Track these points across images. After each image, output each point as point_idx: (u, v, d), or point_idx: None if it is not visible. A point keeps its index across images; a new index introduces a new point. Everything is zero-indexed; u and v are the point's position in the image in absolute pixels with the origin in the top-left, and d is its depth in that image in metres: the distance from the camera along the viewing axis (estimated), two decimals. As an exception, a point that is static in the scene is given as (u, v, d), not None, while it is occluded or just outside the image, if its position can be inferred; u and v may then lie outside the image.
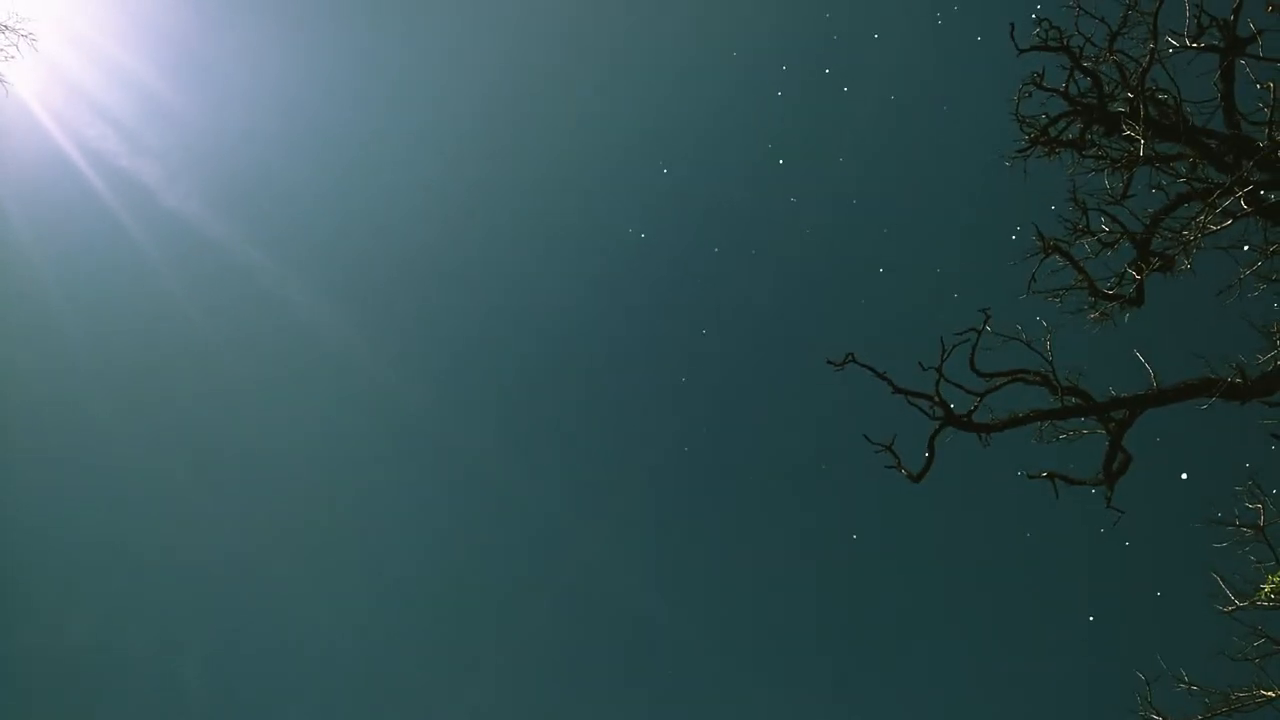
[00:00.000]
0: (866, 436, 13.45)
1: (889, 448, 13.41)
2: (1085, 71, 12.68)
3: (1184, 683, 10.91)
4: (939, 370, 12.76)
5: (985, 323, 12.72)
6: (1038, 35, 12.88)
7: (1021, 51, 12.92)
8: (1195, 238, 10.37)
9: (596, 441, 30.82)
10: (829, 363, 13.40)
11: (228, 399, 30.44)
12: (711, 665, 29.14)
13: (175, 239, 28.84)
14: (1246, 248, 10.87)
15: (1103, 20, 12.38)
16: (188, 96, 28.82)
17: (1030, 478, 12.98)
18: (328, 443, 31.03)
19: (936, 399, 12.78)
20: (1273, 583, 10.40)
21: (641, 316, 30.25)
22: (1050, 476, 12.78)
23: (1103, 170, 12.73)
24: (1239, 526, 10.74)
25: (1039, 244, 12.84)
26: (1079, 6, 12.44)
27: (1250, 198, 10.17)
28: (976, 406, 12.80)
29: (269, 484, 30.54)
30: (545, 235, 30.20)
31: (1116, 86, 12.61)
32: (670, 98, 29.06)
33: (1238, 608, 10.69)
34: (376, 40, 29.47)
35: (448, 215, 30.05)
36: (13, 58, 16.69)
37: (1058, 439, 12.60)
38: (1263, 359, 10.64)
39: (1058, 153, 13.27)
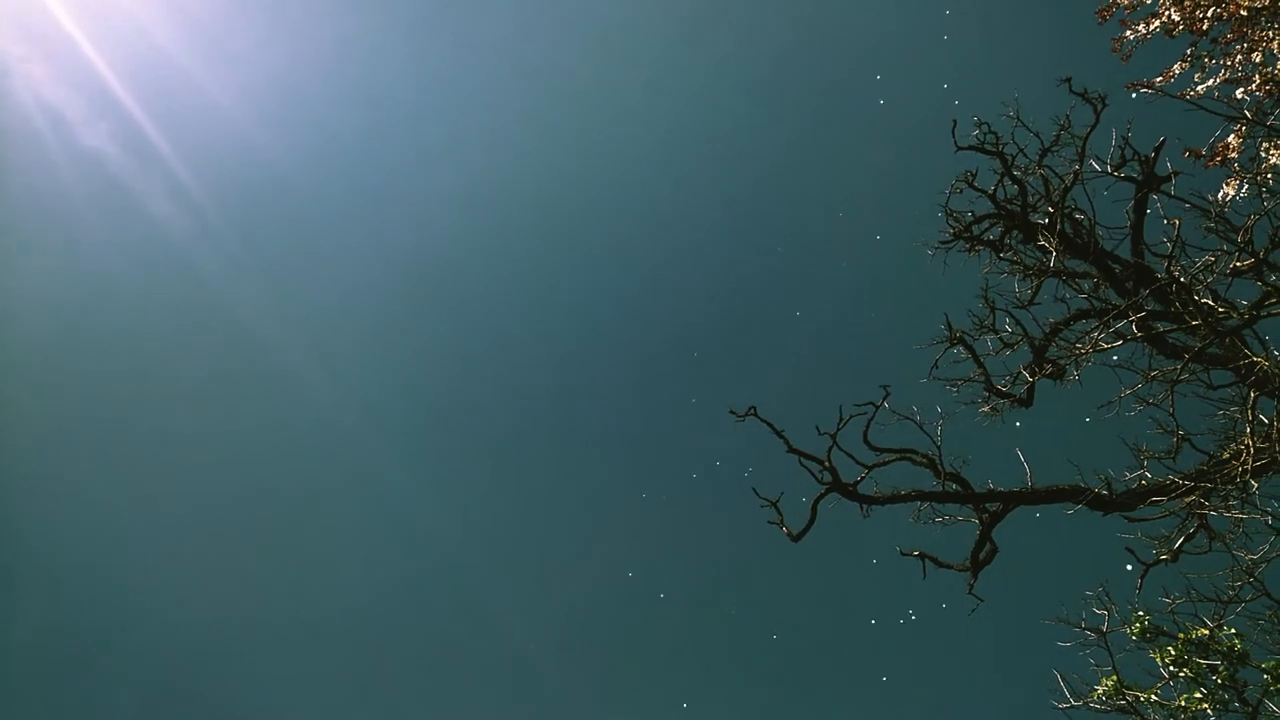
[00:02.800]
0: (755, 490, 13.79)
1: (774, 504, 13.73)
2: (1014, 179, 13.32)
3: (1012, 771, 11.32)
4: (833, 437, 13.14)
5: (884, 399, 13.19)
6: (976, 136, 13.50)
7: (959, 149, 13.51)
8: (1087, 352, 10.95)
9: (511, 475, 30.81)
10: (731, 413, 13.71)
11: (163, 388, 29.48)
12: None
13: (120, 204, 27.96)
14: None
15: (1037, 135, 13.08)
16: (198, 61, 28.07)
17: (903, 554, 13.40)
18: (257, 436, 30.24)
19: (827, 464, 13.14)
20: (1105, 685, 10.92)
21: (585, 350, 30.38)
22: (921, 556, 13.20)
23: (1015, 275, 13.37)
24: (1084, 629, 11.27)
25: (946, 333, 13.38)
26: (1018, 118, 13.11)
27: (1141, 324, 10.82)
28: (863, 478, 13.19)
29: (173, 474, 29.61)
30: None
31: (1040, 199, 13.30)
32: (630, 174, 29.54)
33: (1071, 706, 11.17)
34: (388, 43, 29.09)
35: (430, 225, 29.81)
36: None
37: (933, 521, 13.05)
38: (1130, 475, 11.28)
39: (978, 250, 13.88)
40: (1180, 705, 10.55)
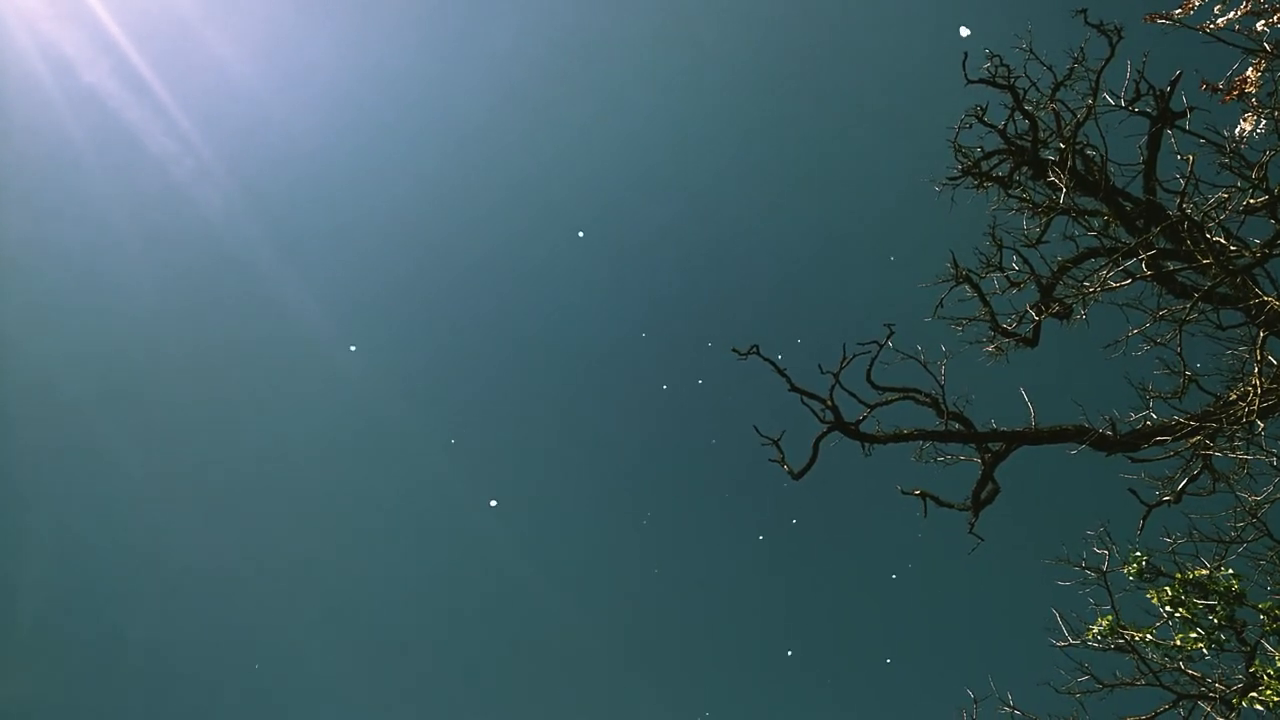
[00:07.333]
0: (756, 428, 13.76)
1: (775, 442, 13.71)
2: (1025, 114, 13.02)
3: (1008, 706, 11.47)
4: (836, 376, 13.07)
5: (888, 338, 13.09)
6: (987, 70, 13.15)
7: (969, 82, 13.16)
8: (1095, 291, 10.78)
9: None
10: (734, 350, 13.61)
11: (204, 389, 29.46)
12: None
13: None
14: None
15: (1050, 68, 12.73)
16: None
17: (904, 493, 13.43)
18: (287, 434, 30.28)
19: (829, 403, 13.08)
20: (1101, 624, 11.01)
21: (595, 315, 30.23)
22: (922, 495, 13.23)
23: (1023, 212, 13.14)
24: (1084, 568, 11.34)
25: (951, 271, 13.20)
26: (1031, 51, 12.75)
27: (1151, 263, 10.65)
28: (865, 416, 13.14)
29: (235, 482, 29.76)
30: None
31: (1051, 135, 13.00)
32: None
33: (1069, 644, 11.29)
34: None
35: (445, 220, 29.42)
36: None
37: (935, 460, 13.05)
38: (1135, 416, 11.21)
39: (986, 187, 13.62)
40: (1176, 645, 10.64)
